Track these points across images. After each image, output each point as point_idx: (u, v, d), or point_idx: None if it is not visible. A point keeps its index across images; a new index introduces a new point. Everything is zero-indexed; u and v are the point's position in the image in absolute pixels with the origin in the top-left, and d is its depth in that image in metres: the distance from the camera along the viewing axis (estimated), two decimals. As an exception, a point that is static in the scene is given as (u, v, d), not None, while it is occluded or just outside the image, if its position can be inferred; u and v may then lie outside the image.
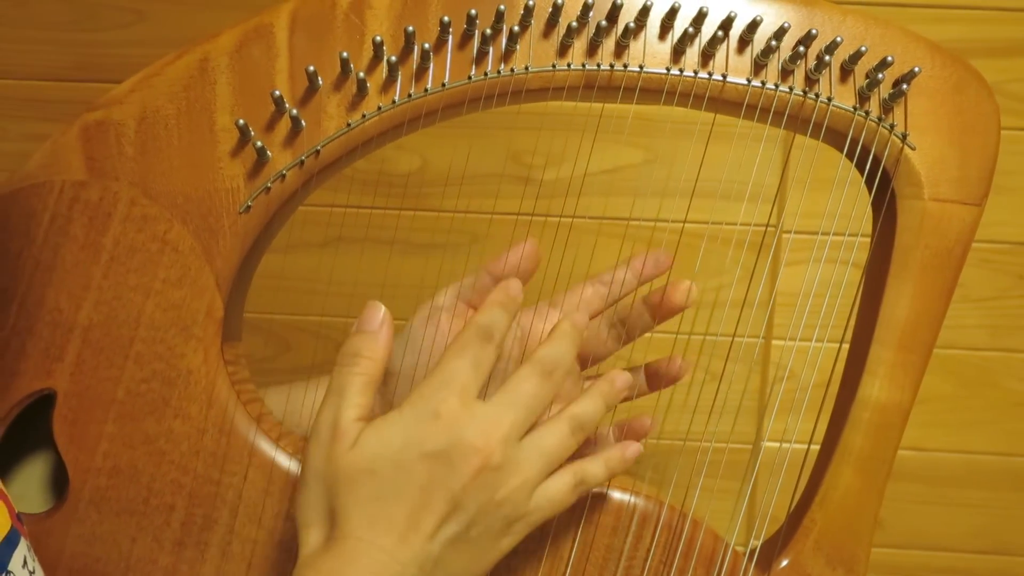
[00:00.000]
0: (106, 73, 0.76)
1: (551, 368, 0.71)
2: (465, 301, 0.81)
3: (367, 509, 0.66)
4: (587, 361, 0.85)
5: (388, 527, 0.66)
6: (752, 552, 0.79)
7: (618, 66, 0.73)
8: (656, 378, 0.84)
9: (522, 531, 0.70)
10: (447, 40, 0.72)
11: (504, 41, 0.72)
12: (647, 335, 0.85)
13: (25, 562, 0.67)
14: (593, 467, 0.73)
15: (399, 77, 0.73)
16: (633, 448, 0.75)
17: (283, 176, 0.73)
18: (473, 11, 0.71)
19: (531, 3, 0.71)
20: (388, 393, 0.81)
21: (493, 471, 0.67)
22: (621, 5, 0.71)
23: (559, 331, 0.73)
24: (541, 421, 0.71)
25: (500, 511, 0.68)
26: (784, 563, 0.77)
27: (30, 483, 0.79)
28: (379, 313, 0.72)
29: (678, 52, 0.73)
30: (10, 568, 0.65)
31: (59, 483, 0.78)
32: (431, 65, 0.72)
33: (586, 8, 0.71)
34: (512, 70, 0.72)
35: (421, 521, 0.66)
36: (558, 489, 0.70)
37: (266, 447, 0.76)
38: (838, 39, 0.70)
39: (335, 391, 0.69)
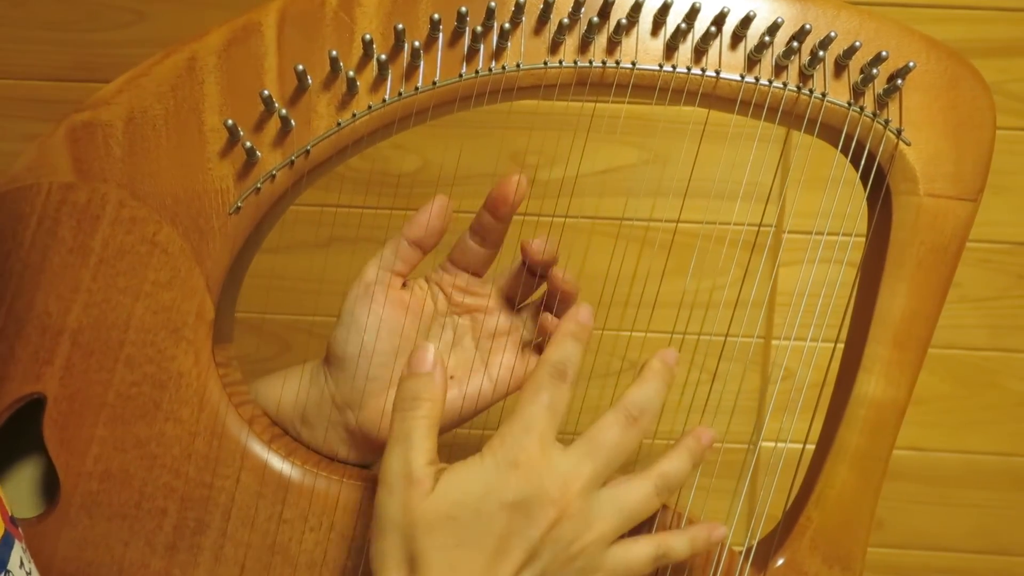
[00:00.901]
0: (106, 73, 0.76)
1: (638, 415, 0.71)
2: (391, 271, 0.80)
3: (447, 555, 0.66)
4: (469, 270, 0.84)
5: (467, 573, 0.66)
6: (748, 551, 0.79)
7: (610, 63, 0.72)
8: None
9: None
10: (437, 38, 0.72)
11: (495, 38, 0.72)
12: (643, 335, 0.84)
13: (22, 563, 0.67)
14: (678, 543, 0.73)
15: (389, 75, 0.72)
16: (720, 531, 0.75)
17: (273, 176, 0.73)
18: (463, 8, 0.70)
19: (522, 0, 0.70)
20: (344, 380, 0.80)
21: (569, 522, 0.67)
22: (613, 2, 0.71)
23: (650, 371, 0.73)
24: (627, 475, 0.72)
25: (574, 564, 0.68)
26: (780, 561, 0.77)
27: (21, 488, 0.78)
28: (430, 354, 0.71)
29: (671, 48, 0.72)
30: (9, 567, 0.65)
31: (50, 488, 0.78)
32: (421, 63, 0.72)
33: (578, 5, 0.71)
34: (503, 68, 0.72)
35: (499, 569, 0.66)
36: (637, 557, 0.71)
37: (258, 450, 0.75)
38: (832, 34, 0.70)
39: (401, 438, 0.69)
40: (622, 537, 0.71)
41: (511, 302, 0.85)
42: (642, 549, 0.71)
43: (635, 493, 0.70)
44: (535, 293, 0.84)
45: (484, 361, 0.83)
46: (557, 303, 0.80)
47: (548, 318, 0.79)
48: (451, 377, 0.81)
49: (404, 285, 0.81)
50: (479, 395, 0.81)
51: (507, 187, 0.77)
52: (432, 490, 0.67)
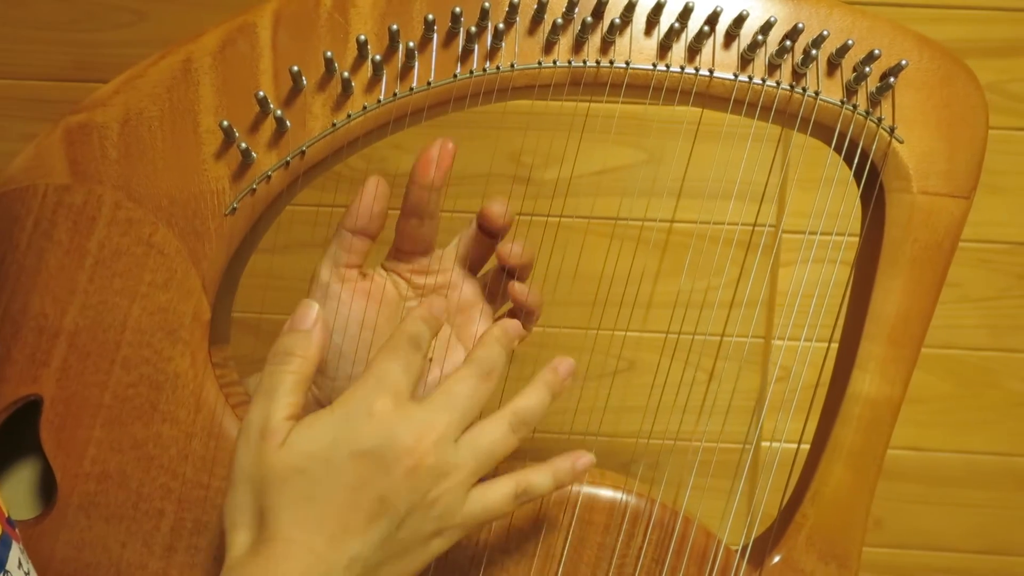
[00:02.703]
0: (106, 73, 0.76)
1: (488, 369, 0.70)
2: (344, 266, 0.79)
3: (296, 509, 0.64)
4: (417, 252, 0.83)
5: (317, 527, 0.64)
6: (744, 549, 0.79)
7: (604, 63, 0.72)
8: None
9: (455, 535, 0.68)
10: (432, 38, 0.72)
11: (489, 39, 0.72)
12: (638, 335, 0.84)
13: (20, 564, 0.67)
14: (538, 477, 0.71)
15: (384, 76, 0.72)
16: (585, 459, 0.73)
17: (268, 177, 0.73)
18: (458, 9, 0.70)
19: (516, 0, 0.70)
20: (324, 382, 0.80)
21: (425, 472, 0.66)
22: (606, 1, 0.71)
23: (493, 334, 0.72)
24: (480, 419, 0.70)
25: (431, 512, 0.66)
26: (776, 559, 0.77)
27: (18, 489, 0.78)
28: (312, 312, 0.71)
29: (664, 48, 0.73)
30: (7, 568, 0.65)
31: (48, 489, 0.78)
32: (416, 64, 0.72)
33: (571, 5, 0.71)
34: (498, 68, 0.72)
35: (350, 521, 0.65)
36: (496, 497, 0.69)
37: (255, 450, 0.75)
38: (825, 33, 0.70)
39: (265, 391, 0.68)
40: (482, 480, 0.69)
41: (471, 268, 0.85)
42: (501, 488, 0.69)
43: (490, 434, 0.69)
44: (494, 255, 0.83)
45: (459, 336, 0.83)
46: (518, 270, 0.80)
47: (516, 287, 0.79)
48: (429, 359, 0.81)
49: (364, 276, 0.81)
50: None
51: (430, 152, 0.76)
52: (284, 442, 0.66)
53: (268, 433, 0.66)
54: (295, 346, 0.69)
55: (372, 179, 0.77)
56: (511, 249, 0.79)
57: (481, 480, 0.69)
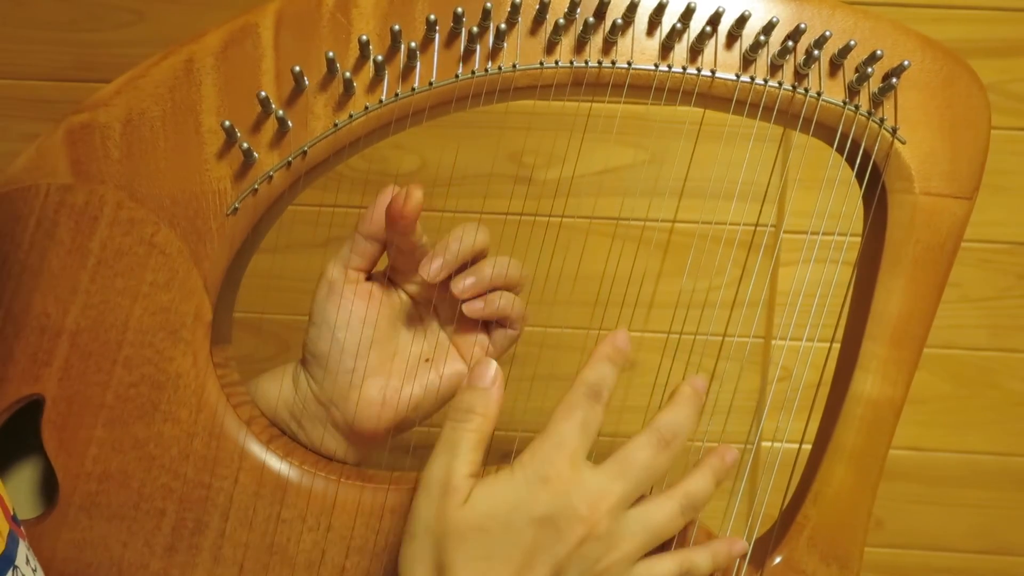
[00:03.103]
0: (106, 73, 0.76)
1: (670, 438, 0.71)
2: (353, 268, 0.79)
3: (475, 566, 0.67)
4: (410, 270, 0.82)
5: None
6: (745, 550, 0.79)
7: (606, 63, 0.72)
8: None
9: None
10: (434, 38, 0.72)
11: (491, 39, 0.72)
12: (639, 336, 0.84)
13: (28, 560, 0.67)
14: (700, 559, 0.73)
15: (386, 76, 0.72)
16: (740, 545, 0.75)
17: (270, 177, 0.73)
18: (460, 9, 0.70)
19: (518, 0, 0.70)
20: (324, 378, 0.80)
21: (596, 541, 0.67)
22: (608, 2, 0.71)
23: (681, 396, 0.73)
24: (652, 494, 0.72)
25: None
26: (777, 560, 0.77)
27: (20, 489, 0.78)
28: (491, 370, 0.72)
29: (666, 48, 0.72)
30: (16, 563, 0.65)
31: (49, 489, 0.78)
32: (418, 64, 0.72)
33: (573, 5, 0.71)
34: (499, 68, 0.72)
35: None
36: (660, 574, 0.71)
37: (256, 450, 0.75)
38: (827, 33, 0.70)
39: (447, 446, 0.70)
40: (646, 555, 0.71)
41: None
42: (666, 566, 0.71)
43: (661, 512, 0.71)
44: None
45: (455, 344, 0.83)
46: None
47: (457, 283, 0.79)
48: (427, 360, 0.82)
49: (369, 279, 0.81)
50: (456, 375, 0.81)
51: (401, 206, 0.75)
52: (466, 500, 0.67)
53: (451, 490, 0.68)
54: (475, 404, 0.71)
55: (390, 189, 0.78)
56: (463, 284, 0.78)
57: (647, 555, 0.71)
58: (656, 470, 0.70)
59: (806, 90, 0.72)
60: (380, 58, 0.71)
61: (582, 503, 0.67)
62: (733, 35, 0.72)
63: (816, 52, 0.71)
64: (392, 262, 0.82)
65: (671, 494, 0.72)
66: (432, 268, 0.77)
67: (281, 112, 0.71)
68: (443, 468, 0.69)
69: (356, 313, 0.78)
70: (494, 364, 0.72)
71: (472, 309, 0.78)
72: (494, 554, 0.67)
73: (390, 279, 0.82)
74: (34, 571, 0.68)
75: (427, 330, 0.83)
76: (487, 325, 0.82)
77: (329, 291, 0.79)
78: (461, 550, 0.67)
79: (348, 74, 0.71)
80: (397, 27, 0.71)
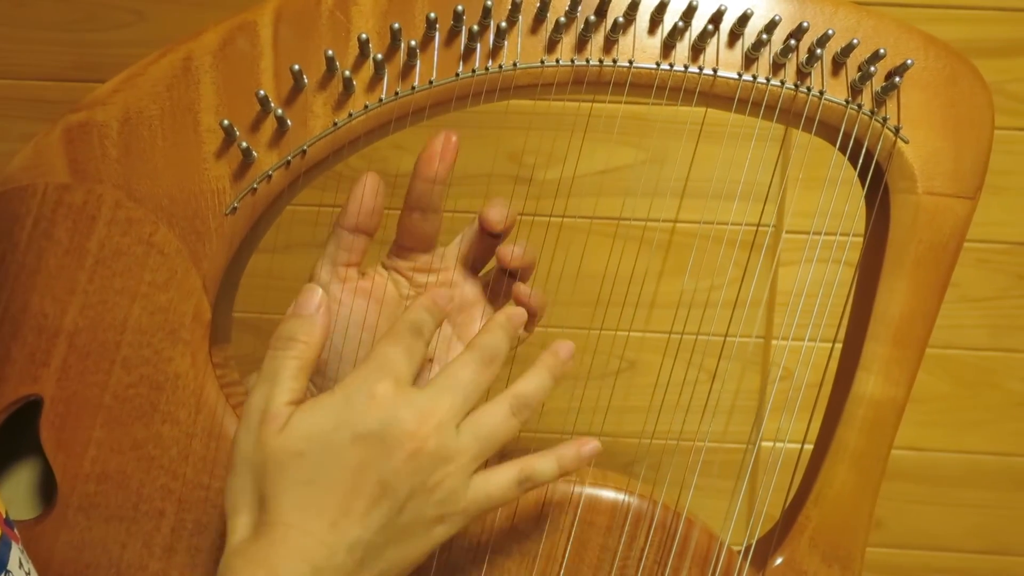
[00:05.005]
0: (106, 73, 0.76)
1: (491, 356, 0.69)
2: (342, 264, 0.79)
3: (296, 493, 0.64)
4: (419, 248, 0.83)
5: (318, 511, 0.64)
6: (747, 550, 0.79)
7: (607, 61, 0.72)
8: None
9: (458, 521, 0.68)
10: (434, 37, 0.72)
11: (491, 37, 0.72)
12: (640, 335, 0.84)
13: (21, 563, 0.67)
14: (543, 464, 0.71)
15: (385, 75, 0.72)
16: (590, 445, 0.73)
17: (269, 177, 0.72)
18: (460, 7, 0.70)
19: (518, -1, 0.70)
20: (324, 383, 0.80)
21: (426, 456, 0.65)
22: (610, 0, 0.71)
23: (497, 320, 0.71)
24: (482, 404, 0.70)
25: (432, 497, 0.66)
26: (779, 561, 0.77)
27: (18, 490, 0.78)
28: (316, 296, 0.70)
29: (668, 47, 0.72)
30: (8, 568, 0.65)
31: (48, 489, 0.78)
32: (418, 62, 0.72)
33: (574, 3, 0.70)
34: (500, 67, 0.72)
35: (351, 505, 0.64)
36: (499, 483, 0.69)
37: (255, 451, 0.75)
38: (830, 32, 0.70)
39: (267, 375, 0.68)
40: (484, 465, 0.69)
41: (473, 268, 0.84)
42: (504, 474, 0.69)
43: (491, 417, 0.68)
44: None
45: (459, 336, 0.83)
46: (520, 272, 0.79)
47: (520, 288, 0.79)
48: (430, 360, 0.81)
49: (363, 275, 0.81)
50: None
51: (434, 146, 0.75)
52: (284, 426, 0.65)
53: (269, 417, 0.66)
54: (298, 331, 0.69)
55: (368, 175, 0.77)
56: (512, 252, 0.78)
57: (484, 467, 0.69)
58: (480, 385, 0.69)
59: (808, 89, 0.72)
60: (380, 56, 0.71)
61: (409, 418, 0.65)
62: (735, 33, 0.72)
63: (819, 50, 0.71)
64: (399, 239, 0.81)
65: (500, 397, 0.70)
66: (516, 252, 0.78)
67: (280, 111, 0.71)
68: (262, 397, 0.67)
69: (354, 317, 0.78)
70: (319, 291, 0.71)
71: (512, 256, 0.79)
72: (316, 478, 0.64)
73: (391, 262, 0.82)
74: (27, 574, 0.68)
75: None
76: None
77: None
78: (281, 477, 0.64)
79: (348, 73, 0.71)
80: (397, 25, 0.70)
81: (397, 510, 0.65)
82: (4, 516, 0.69)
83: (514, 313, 0.72)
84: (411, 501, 0.65)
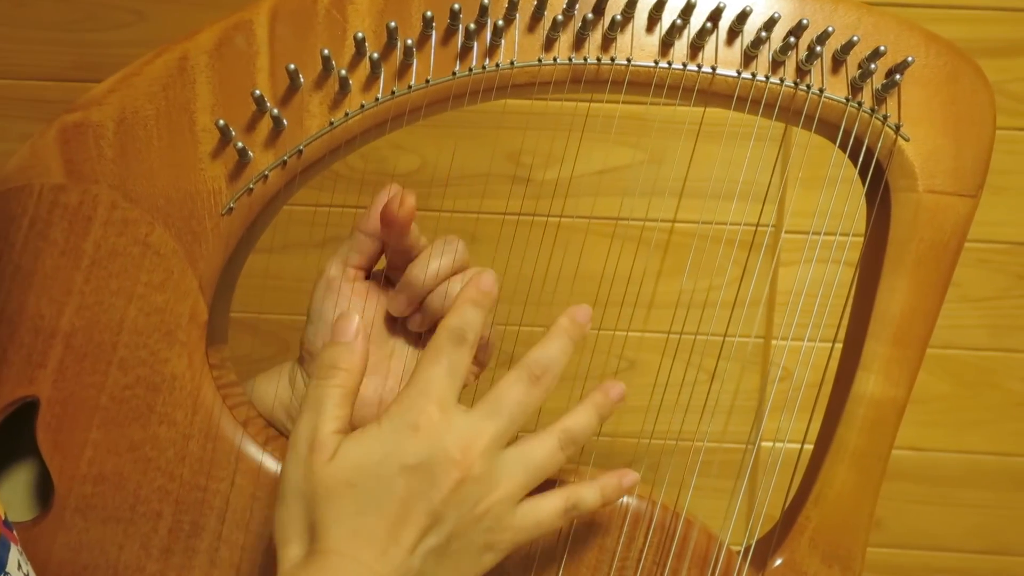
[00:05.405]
0: (106, 73, 0.76)
1: (540, 373, 0.69)
2: (353, 266, 0.79)
3: (347, 523, 0.65)
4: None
5: (369, 541, 0.64)
6: (747, 550, 0.78)
7: (605, 60, 0.72)
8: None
9: (506, 548, 0.69)
10: (430, 35, 0.72)
11: (488, 36, 0.71)
12: (639, 335, 0.84)
13: (20, 565, 0.67)
14: (587, 493, 0.71)
15: (382, 74, 0.72)
16: (630, 477, 0.73)
17: (265, 177, 0.72)
18: (456, 6, 0.70)
19: (515, -3, 0.70)
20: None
21: (473, 483, 0.66)
22: (607, -2, 0.71)
23: (557, 328, 0.71)
24: (529, 432, 0.70)
25: (480, 525, 0.67)
26: (779, 561, 0.76)
27: (15, 491, 0.78)
28: (353, 323, 0.70)
29: (666, 44, 0.72)
30: (7, 569, 0.65)
31: (45, 491, 0.77)
32: (414, 61, 0.72)
33: (571, 1, 0.70)
34: (497, 65, 0.72)
35: (401, 535, 0.65)
36: (547, 511, 0.70)
37: (253, 452, 0.75)
38: (829, 29, 0.70)
39: (313, 405, 0.68)
40: (530, 494, 0.69)
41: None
42: (550, 503, 0.70)
43: (540, 449, 0.69)
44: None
45: None
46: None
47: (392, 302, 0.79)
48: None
49: (367, 277, 0.81)
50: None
51: (394, 212, 0.74)
52: (333, 456, 0.66)
53: (317, 447, 0.66)
54: (339, 359, 0.69)
55: (393, 187, 0.77)
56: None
57: (530, 495, 0.69)
58: (528, 406, 0.69)
59: (808, 87, 0.72)
60: (376, 55, 0.70)
61: (454, 446, 0.65)
62: (734, 31, 0.72)
63: (818, 48, 0.70)
64: (389, 260, 0.81)
65: (550, 430, 0.70)
66: (397, 306, 0.78)
67: (276, 110, 0.71)
68: (309, 427, 0.67)
69: (356, 309, 0.78)
70: (356, 317, 0.70)
71: (412, 322, 0.79)
72: (367, 508, 0.65)
73: (387, 278, 0.82)
74: (26, 575, 0.68)
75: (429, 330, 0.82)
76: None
77: (327, 288, 0.78)
78: (332, 507, 0.65)
79: (344, 72, 0.70)
80: (393, 24, 0.70)
81: (447, 538, 0.66)
82: (3, 518, 0.68)
83: (576, 314, 0.72)
84: (460, 529, 0.66)
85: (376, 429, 0.67)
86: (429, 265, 0.76)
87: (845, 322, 0.78)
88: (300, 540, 0.66)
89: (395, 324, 0.81)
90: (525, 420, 0.69)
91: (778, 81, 0.72)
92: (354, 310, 0.77)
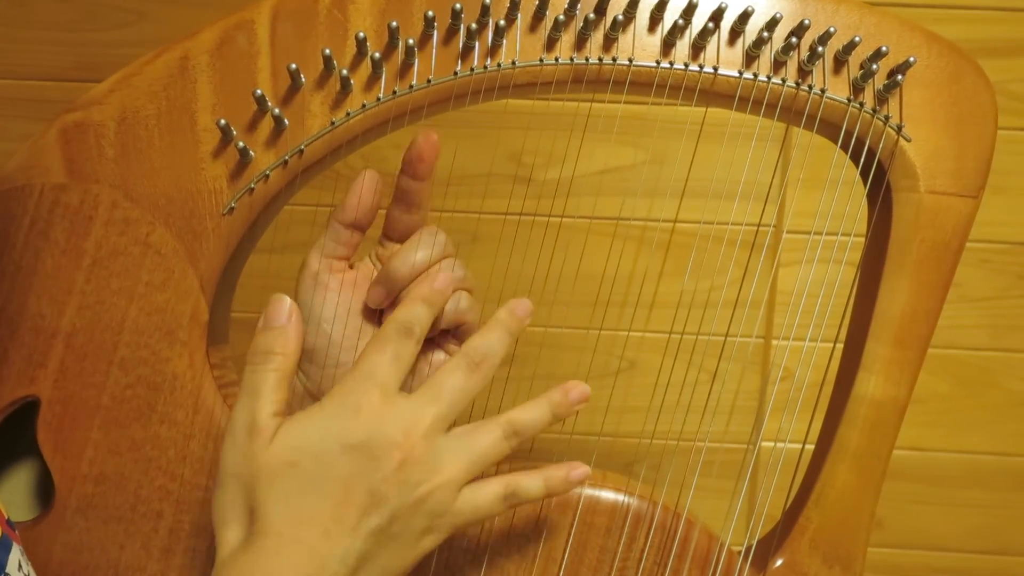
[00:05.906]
0: (106, 73, 0.75)
1: (480, 360, 0.70)
2: (333, 257, 0.78)
3: (288, 503, 0.64)
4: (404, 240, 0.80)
5: (310, 521, 0.64)
6: (748, 551, 0.78)
7: (607, 59, 0.72)
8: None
9: (445, 531, 0.68)
10: (432, 35, 0.71)
11: (490, 36, 0.71)
12: (640, 335, 0.84)
13: (20, 566, 0.67)
14: (529, 482, 0.71)
15: (383, 73, 0.72)
16: (580, 470, 0.73)
17: (266, 176, 0.72)
18: (458, 5, 0.70)
19: (517, -3, 0.70)
20: (314, 372, 0.79)
21: (415, 465, 0.66)
22: (609, -2, 0.70)
23: (495, 320, 0.71)
24: (476, 422, 0.70)
25: (423, 507, 0.66)
26: (779, 562, 0.76)
27: (16, 491, 0.78)
28: (285, 306, 0.70)
29: (668, 45, 0.72)
30: (8, 571, 0.65)
31: (46, 491, 0.77)
32: (416, 61, 0.72)
33: (573, 1, 0.70)
34: (499, 65, 0.72)
35: (344, 515, 0.65)
36: (485, 497, 0.69)
37: (253, 452, 0.75)
38: (831, 29, 0.70)
39: (249, 390, 0.68)
40: (473, 480, 0.69)
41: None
42: (490, 489, 0.69)
43: (483, 437, 0.69)
44: None
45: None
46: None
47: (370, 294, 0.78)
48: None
49: (351, 267, 0.80)
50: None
51: (421, 146, 0.74)
52: (273, 438, 0.66)
53: (256, 430, 0.66)
54: (273, 343, 0.69)
55: (367, 173, 0.76)
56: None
57: (472, 481, 0.69)
58: (468, 392, 0.69)
59: (810, 87, 0.72)
60: (378, 55, 0.70)
61: (396, 428, 0.66)
62: (736, 31, 0.72)
63: (820, 48, 0.70)
64: (386, 231, 0.80)
65: (496, 420, 0.70)
66: (375, 297, 0.77)
67: (277, 110, 0.71)
68: (246, 412, 0.67)
69: (343, 304, 0.77)
70: (288, 300, 0.70)
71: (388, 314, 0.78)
72: (308, 488, 0.65)
73: (379, 251, 0.81)
74: None
75: None
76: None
77: (313, 284, 0.78)
78: (273, 489, 0.64)
79: (345, 71, 0.70)
80: (395, 23, 0.70)
81: (387, 519, 0.66)
82: (6, 518, 0.68)
83: (516, 307, 0.72)
84: (401, 510, 0.66)
85: (318, 411, 0.67)
86: (407, 258, 0.76)
87: (846, 322, 0.78)
88: (239, 523, 0.66)
89: (387, 315, 0.81)
90: (465, 406, 0.69)
91: (780, 81, 0.72)
92: (342, 304, 0.77)
